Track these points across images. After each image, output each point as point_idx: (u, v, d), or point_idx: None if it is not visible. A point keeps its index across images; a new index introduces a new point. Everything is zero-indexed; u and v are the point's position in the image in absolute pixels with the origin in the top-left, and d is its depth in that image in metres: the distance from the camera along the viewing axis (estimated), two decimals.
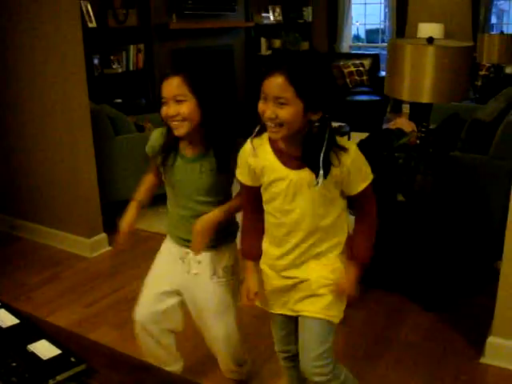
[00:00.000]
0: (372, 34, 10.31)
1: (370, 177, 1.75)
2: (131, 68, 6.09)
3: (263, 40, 8.17)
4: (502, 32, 6.94)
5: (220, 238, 2.08)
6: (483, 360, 2.70)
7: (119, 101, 5.79)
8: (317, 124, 1.64)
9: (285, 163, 1.72)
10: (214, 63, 6.89)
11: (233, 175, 1.94)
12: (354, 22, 9.67)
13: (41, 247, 4.13)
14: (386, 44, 9.55)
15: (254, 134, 1.76)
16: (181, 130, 1.91)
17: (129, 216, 2.16)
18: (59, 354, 1.22)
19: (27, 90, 3.92)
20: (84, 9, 5.18)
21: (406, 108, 8.55)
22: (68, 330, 1.40)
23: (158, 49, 6.32)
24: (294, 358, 2.08)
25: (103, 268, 3.82)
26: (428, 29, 7.16)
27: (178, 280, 2.17)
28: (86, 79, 3.76)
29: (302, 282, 1.84)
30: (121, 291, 3.44)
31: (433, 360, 2.74)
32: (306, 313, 1.85)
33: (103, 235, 4.06)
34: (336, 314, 1.86)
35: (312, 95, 1.59)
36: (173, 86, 1.88)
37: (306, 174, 1.69)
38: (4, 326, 1.34)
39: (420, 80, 2.83)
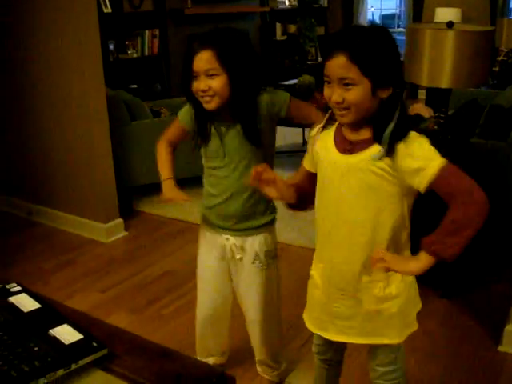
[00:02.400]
0: (387, 19, 10.23)
1: (436, 162, 1.47)
2: (146, 53, 6.09)
3: (278, 25, 8.13)
4: None
5: (260, 222, 2.10)
6: (501, 348, 2.68)
7: (134, 86, 5.79)
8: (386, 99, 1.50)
9: (338, 147, 1.60)
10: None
11: (268, 148, 2.02)
12: (369, 7, 9.60)
13: (57, 232, 4.15)
14: (401, 29, 9.47)
15: (324, 121, 1.65)
16: (212, 104, 1.89)
17: (175, 191, 2.12)
18: (81, 339, 1.22)
19: (43, 77, 3.93)
20: None
21: (422, 94, 8.47)
22: (88, 314, 1.40)
23: (173, 34, 6.30)
24: (329, 361, 2.01)
25: (119, 253, 3.84)
26: (445, 13, 7.06)
27: (226, 268, 2.22)
28: (102, 65, 3.76)
29: None
30: (137, 276, 3.46)
31: (449, 348, 2.73)
32: None
33: (119, 220, 4.08)
34: None
35: (379, 71, 1.46)
36: (204, 60, 1.84)
37: (357, 159, 1.55)
38: (26, 311, 1.35)
39: (439, 65, 2.80)
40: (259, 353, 2.39)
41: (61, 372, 1.12)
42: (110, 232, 4.02)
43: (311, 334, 1.95)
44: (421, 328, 2.86)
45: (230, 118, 1.96)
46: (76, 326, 1.27)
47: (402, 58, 1.72)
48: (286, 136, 6.33)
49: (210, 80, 1.84)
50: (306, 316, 1.88)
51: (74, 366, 1.14)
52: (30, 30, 3.88)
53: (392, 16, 10.05)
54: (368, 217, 1.60)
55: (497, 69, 6.84)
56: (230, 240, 2.12)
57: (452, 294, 3.14)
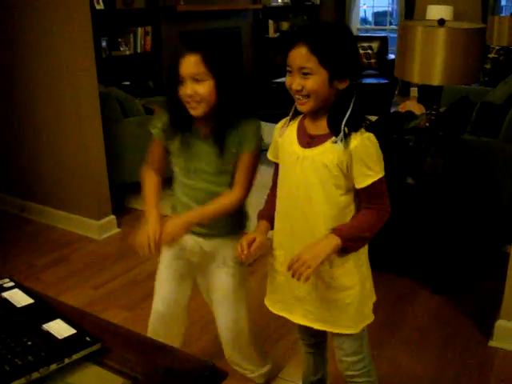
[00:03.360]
0: (379, 17, 10.25)
1: (377, 175, 1.64)
2: (139, 50, 6.08)
3: (271, 22, 8.13)
4: None
5: (229, 227, 2.04)
6: (492, 343, 2.71)
7: (127, 83, 5.78)
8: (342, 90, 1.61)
9: (299, 140, 1.70)
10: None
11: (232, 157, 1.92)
12: (361, 4, 9.61)
13: (50, 229, 4.14)
14: (393, 27, 9.50)
15: (291, 113, 1.75)
16: (198, 110, 1.83)
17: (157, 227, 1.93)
18: (74, 334, 1.23)
19: (36, 74, 3.91)
20: None
21: (413, 91, 8.51)
22: (82, 309, 1.41)
23: (166, 31, 6.30)
24: (313, 346, 2.10)
25: (112, 250, 3.84)
26: (437, 11, 7.10)
27: (192, 271, 2.19)
28: (94, 62, 3.75)
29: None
30: (130, 273, 3.46)
31: (441, 343, 2.75)
32: None
33: (112, 217, 4.08)
34: None
35: (336, 63, 1.57)
36: (191, 65, 1.79)
37: (314, 152, 1.66)
38: (19, 306, 1.35)
39: (431, 62, 2.82)
40: (228, 355, 2.30)
41: (54, 366, 1.13)
42: (103, 229, 4.01)
43: None
44: (413, 323, 2.91)
45: (208, 128, 1.91)
46: (69, 321, 1.28)
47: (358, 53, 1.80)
48: None
49: (197, 85, 1.80)
50: (268, 301, 1.95)
51: (67, 361, 1.15)
52: (21, 27, 3.87)
53: (384, 13, 10.07)
54: (322, 208, 1.69)
55: (488, 66, 6.88)
56: (199, 243, 2.06)
57: (443, 289, 3.16)
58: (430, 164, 3.06)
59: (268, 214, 1.86)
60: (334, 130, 1.63)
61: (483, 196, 3.30)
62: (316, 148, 1.66)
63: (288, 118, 1.77)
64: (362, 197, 1.69)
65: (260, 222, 1.87)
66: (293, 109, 1.73)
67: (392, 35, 8.60)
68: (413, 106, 3.71)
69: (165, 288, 2.20)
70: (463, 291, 3.19)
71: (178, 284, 2.18)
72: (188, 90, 1.80)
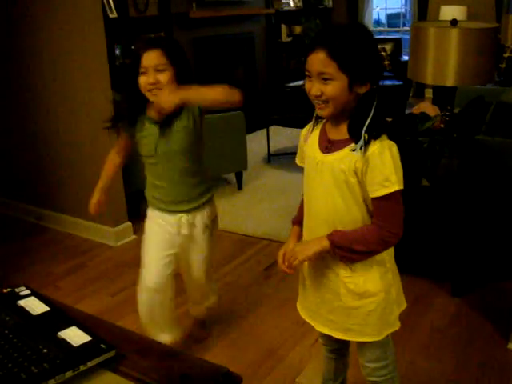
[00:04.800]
0: (393, 19, 10.21)
1: (393, 186, 1.57)
2: None
3: (284, 27, 8.13)
4: None
5: (203, 197, 2.37)
6: (511, 346, 2.68)
7: None
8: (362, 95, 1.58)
9: (320, 145, 1.69)
10: (229, 51, 6.87)
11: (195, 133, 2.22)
12: (374, 6, 9.58)
13: (67, 237, 4.18)
14: (407, 28, 9.46)
15: (314, 118, 1.74)
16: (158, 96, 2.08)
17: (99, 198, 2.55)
18: (89, 341, 1.24)
19: (50, 82, 3.95)
20: None
21: (428, 92, 8.47)
22: (97, 317, 1.42)
23: (179, 38, 6.30)
24: (335, 351, 2.07)
25: (128, 256, 3.85)
26: (450, 11, 7.06)
27: (176, 243, 2.40)
28: (108, 69, 3.78)
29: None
30: None
31: (459, 345, 2.72)
32: None
33: (128, 224, 4.09)
34: None
35: (356, 67, 1.53)
36: (153, 57, 2.07)
37: (332, 158, 1.64)
38: (34, 314, 1.36)
39: (444, 63, 2.80)
40: (194, 299, 2.72)
41: (69, 373, 1.14)
42: (119, 236, 4.03)
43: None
44: (432, 326, 2.88)
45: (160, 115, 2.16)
46: (84, 328, 1.29)
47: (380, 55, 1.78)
48: (290, 137, 6.35)
49: (159, 74, 2.07)
50: (299, 305, 1.95)
51: (82, 368, 1.16)
52: (36, 37, 3.91)
53: (397, 15, 10.03)
54: (339, 214, 1.68)
55: (503, 66, 6.82)
56: (183, 218, 2.35)
57: (462, 291, 3.14)
58: (444, 165, 3.03)
59: (299, 220, 1.88)
60: (354, 137, 1.59)
61: (499, 196, 3.27)
62: (334, 154, 1.64)
63: (311, 123, 1.76)
64: (373, 210, 1.64)
65: (293, 228, 1.92)
66: (315, 114, 1.71)
67: (406, 37, 8.56)
68: (427, 107, 3.68)
69: (156, 261, 2.39)
70: (482, 293, 3.16)
71: (167, 255, 2.39)
72: (150, 78, 2.07)
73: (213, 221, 2.46)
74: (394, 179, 1.56)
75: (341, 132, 1.64)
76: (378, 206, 1.62)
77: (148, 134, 2.22)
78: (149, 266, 2.39)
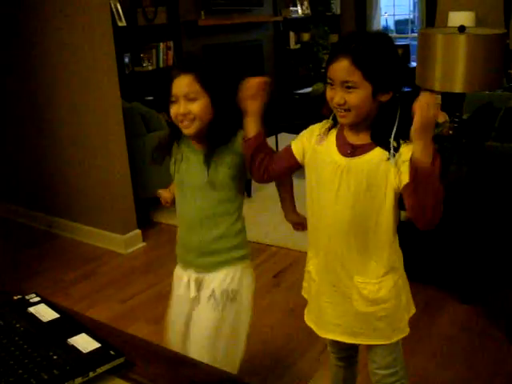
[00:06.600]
0: (401, 25, 10.19)
1: None
2: (161, 65, 6.12)
3: (292, 34, 8.14)
4: None
5: (223, 258, 1.92)
6: None
7: (150, 98, 5.83)
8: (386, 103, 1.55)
9: (340, 149, 1.64)
10: (237, 58, 6.89)
11: (238, 170, 1.89)
12: (382, 13, 9.56)
13: (77, 244, 4.20)
14: (415, 34, 9.43)
15: (331, 122, 1.69)
16: (191, 128, 1.82)
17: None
18: (99, 348, 1.24)
19: (60, 91, 3.99)
20: (113, 8, 5.22)
21: (437, 99, 8.44)
22: (106, 323, 1.42)
23: (188, 46, 6.34)
24: (344, 359, 2.05)
25: (138, 264, 3.87)
26: (459, 17, 7.04)
27: (189, 305, 2.03)
28: (117, 78, 3.81)
29: None
30: (156, 286, 3.48)
31: (469, 353, 2.71)
32: None
33: (137, 231, 4.11)
34: None
35: (380, 76, 1.51)
36: (184, 84, 1.78)
37: (361, 160, 1.60)
38: (45, 320, 1.37)
39: (452, 70, 2.80)
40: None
41: (79, 380, 1.14)
42: (129, 243, 4.05)
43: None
44: (441, 333, 2.87)
45: (200, 145, 1.89)
46: (94, 335, 1.29)
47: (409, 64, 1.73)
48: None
49: (190, 104, 1.78)
50: (306, 309, 1.93)
51: (91, 374, 1.16)
52: (46, 46, 3.95)
53: (406, 21, 10.02)
54: (364, 218, 1.64)
55: None
56: (192, 276, 1.98)
57: (472, 299, 3.12)
58: (453, 172, 3.03)
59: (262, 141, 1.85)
60: (379, 145, 1.57)
61: (509, 203, 3.26)
62: (361, 156, 1.60)
63: (327, 126, 1.71)
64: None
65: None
66: (331, 117, 1.69)
67: (414, 43, 8.55)
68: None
69: (171, 325, 2.12)
70: (491, 300, 3.15)
71: (186, 327, 2.04)
72: (181, 108, 1.78)
73: (225, 293, 1.91)
74: None
75: (362, 137, 1.62)
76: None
77: (184, 163, 1.96)
78: (167, 324, 2.15)
